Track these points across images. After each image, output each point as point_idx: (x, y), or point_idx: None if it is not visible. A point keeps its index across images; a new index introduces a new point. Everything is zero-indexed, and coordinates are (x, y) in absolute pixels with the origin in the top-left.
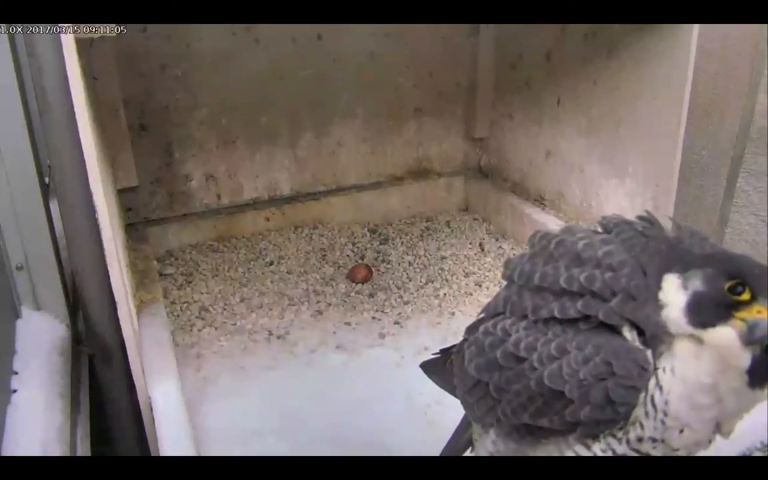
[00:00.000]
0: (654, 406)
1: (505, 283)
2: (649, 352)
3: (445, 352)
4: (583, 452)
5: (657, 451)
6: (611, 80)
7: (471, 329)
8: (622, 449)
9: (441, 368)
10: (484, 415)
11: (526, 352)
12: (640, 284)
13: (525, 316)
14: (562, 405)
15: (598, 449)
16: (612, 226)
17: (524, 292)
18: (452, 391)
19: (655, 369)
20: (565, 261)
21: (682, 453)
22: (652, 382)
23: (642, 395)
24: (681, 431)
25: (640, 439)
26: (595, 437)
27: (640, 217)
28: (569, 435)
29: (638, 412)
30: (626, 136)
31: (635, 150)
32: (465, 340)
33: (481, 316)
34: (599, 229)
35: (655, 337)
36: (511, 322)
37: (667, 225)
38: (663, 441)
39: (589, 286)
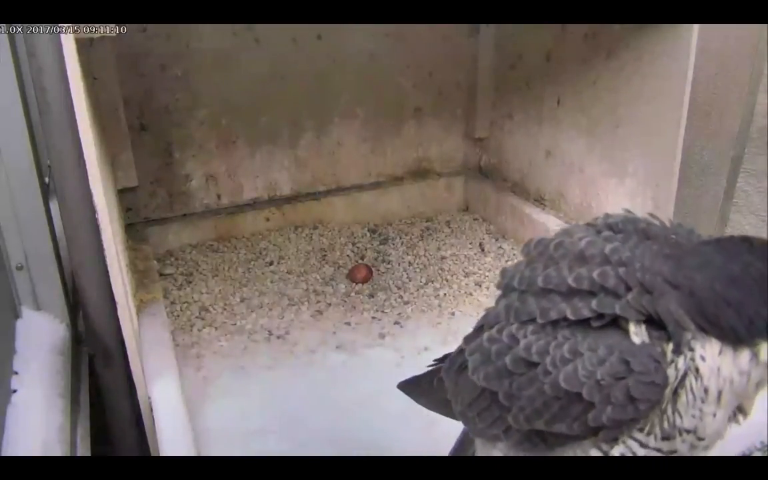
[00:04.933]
0: (693, 393)
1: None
2: (660, 349)
3: (432, 370)
4: (599, 455)
5: (684, 445)
6: (611, 80)
7: (468, 339)
8: (642, 450)
9: (428, 388)
10: (488, 427)
11: (538, 356)
12: (654, 279)
13: (531, 321)
14: (581, 408)
15: (616, 452)
16: (617, 224)
17: (528, 297)
18: (443, 410)
19: (683, 356)
20: (567, 261)
21: (700, 448)
22: (684, 368)
23: (667, 390)
24: (714, 415)
25: (666, 438)
26: (615, 439)
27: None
28: (586, 439)
29: (666, 407)
30: (626, 136)
31: (635, 150)
32: (460, 352)
33: (480, 326)
34: (603, 228)
35: (679, 329)
36: (516, 326)
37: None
38: (695, 431)
39: (603, 283)
